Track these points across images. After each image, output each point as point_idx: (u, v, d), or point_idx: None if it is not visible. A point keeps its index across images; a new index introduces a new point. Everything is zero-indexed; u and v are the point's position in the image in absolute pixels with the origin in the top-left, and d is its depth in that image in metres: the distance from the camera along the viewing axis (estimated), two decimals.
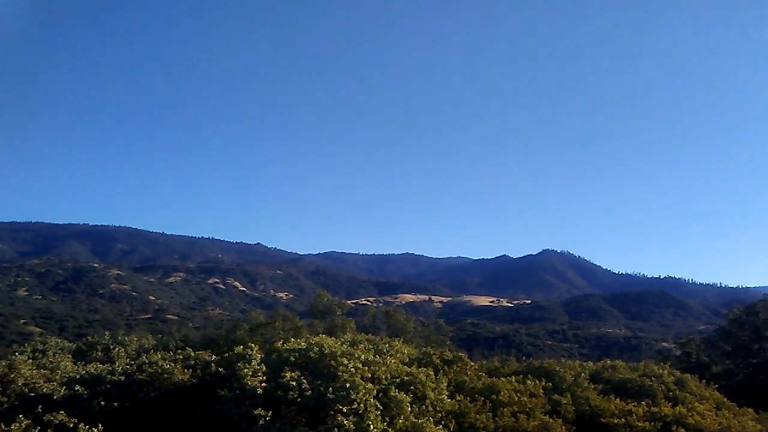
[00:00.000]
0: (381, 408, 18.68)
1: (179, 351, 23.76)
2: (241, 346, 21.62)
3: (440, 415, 20.17)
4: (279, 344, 21.91)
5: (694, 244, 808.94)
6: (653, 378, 28.09)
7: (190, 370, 20.99)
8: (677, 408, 24.67)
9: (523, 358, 34.27)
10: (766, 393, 41.72)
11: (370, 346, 22.71)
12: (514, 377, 25.56)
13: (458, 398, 21.56)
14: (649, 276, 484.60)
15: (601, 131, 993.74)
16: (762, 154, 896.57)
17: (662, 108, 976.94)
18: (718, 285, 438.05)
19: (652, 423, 22.95)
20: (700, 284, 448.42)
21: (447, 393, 21.65)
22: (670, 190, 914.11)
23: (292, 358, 20.04)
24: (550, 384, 25.58)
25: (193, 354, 22.80)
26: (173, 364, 20.96)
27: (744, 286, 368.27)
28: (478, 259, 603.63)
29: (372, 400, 18.47)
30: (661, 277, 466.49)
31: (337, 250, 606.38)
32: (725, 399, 29.41)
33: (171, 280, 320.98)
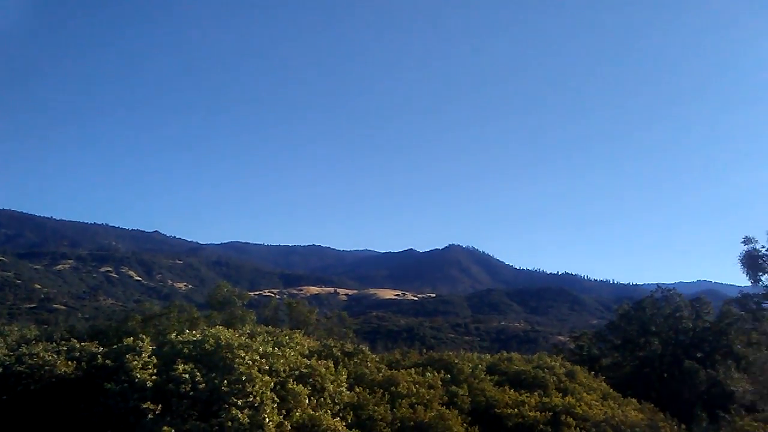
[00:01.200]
0: (278, 401, 18.61)
1: (64, 342, 22.60)
2: (132, 338, 20.88)
3: (338, 407, 20.30)
4: (173, 336, 21.31)
5: (590, 242, 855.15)
6: (546, 370, 29.44)
7: (75, 362, 20.07)
8: (567, 398, 26.00)
9: (424, 350, 34.99)
10: (650, 384, 44.69)
11: (270, 338, 22.48)
12: (413, 369, 26.10)
13: (357, 390, 21.78)
14: (548, 272, 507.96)
15: (507, 131, 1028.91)
16: (654, 159, 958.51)
17: (563, 108, 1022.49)
18: (611, 282, 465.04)
19: (543, 413, 24.09)
20: (595, 281, 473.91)
21: (346, 385, 21.80)
22: (569, 191, 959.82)
23: (186, 350, 19.55)
24: (449, 376, 26.30)
25: (78, 345, 21.79)
26: (56, 356, 20.00)
27: (634, 284, 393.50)
28: (385, 253, 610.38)
29: (269, 392, 18.35)
30: (559, 274, 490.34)
31: (240, 240, 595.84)
32: (611, 390, 31.25)
33: (59, 267, 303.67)
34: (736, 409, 24.96)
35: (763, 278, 42.32)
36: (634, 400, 30.28)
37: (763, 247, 41.75)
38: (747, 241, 42.02)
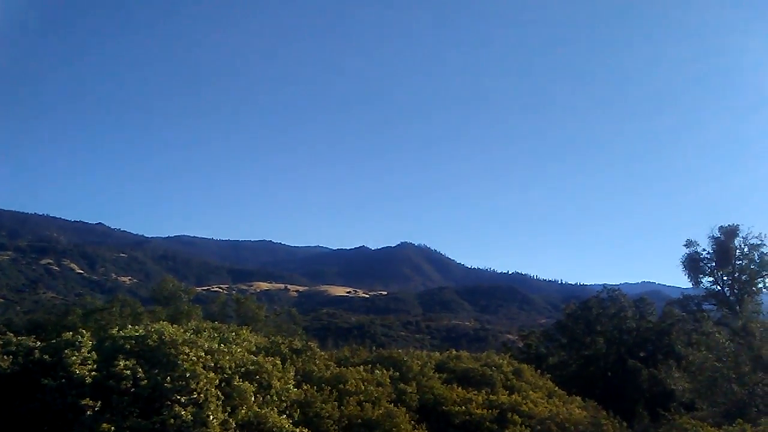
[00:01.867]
0: (223, 398, 18.38)
1: (0, 336, 21.81)
2: (71, 333, 20.29)
3: (285, 404, 20.18)
4: (114, 331, 20.79)
5: (540, 243, 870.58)
6: (494, 368, 29.90)
7: (11, 356, 19.37)
8: (513, 396, 26.51)
9: (374, 348, 35.11)
10: (595, 383, 45.91)
11: (216, 334, 22.18)
12: (362, 367, 26.12)
13: (305, 388, 21.70)
14: (498, 271, 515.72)
15: (459, 130, 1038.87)
16: (601, 163, 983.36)
17: (514, 109, 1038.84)
18: (560, 282, 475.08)
19: (490, 410, 24.48)
20: (544, 280, 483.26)
21: (294, 382, 21.68)
22: (521, 192, 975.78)
23: (128, 346, 19.13)
24: (398, 373, 26.44)
25: (15, 339, 21.02)
26: None
27: (582, 284, 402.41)
28: (337, 250, 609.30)
29: (213, 389, 18.11)
30: (510, 273, 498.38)
31: (188, 234, 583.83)
32: (557, 388, 31.97)
33: None
34: (676, 407, 25.86)
35: (703, 280, 44.22)
36: (578, 398, 31.03)
37: (704, 250, 43.65)
38: (689, 244, 43.88)
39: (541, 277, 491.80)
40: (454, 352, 33.77)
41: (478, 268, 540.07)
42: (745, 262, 41.80)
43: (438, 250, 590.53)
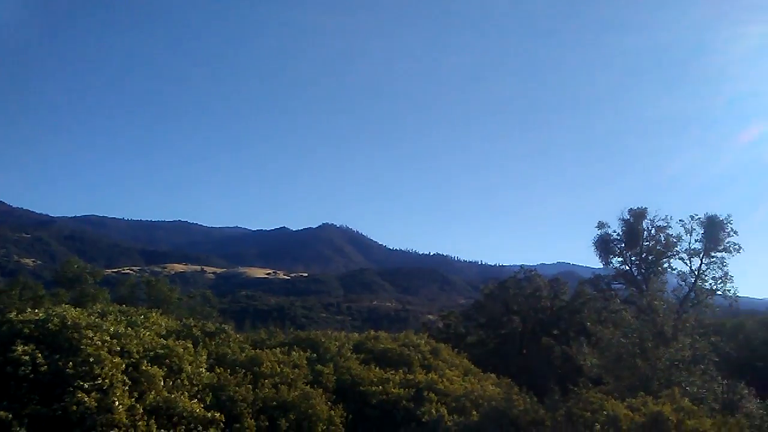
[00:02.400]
0: (130, 383, 17.96)
1: None
2: None
3: (197, 388, 19.89)
4: (12, 315, 19.85)
5: (461, 224, 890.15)
6: (411, 347, 30.37)
7: None
8: (430, 375, 27.06)
9: (291, 329, 35.00)
10: (511, 360, 47.59)
11: (123, 318, 21.55)
12: (279, 349, 26.01)
13: (218, 371, 21.41)
14: (420, 253, 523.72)
15: (380, 112, 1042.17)
16: (521, 145, 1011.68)
17: (430, 93, 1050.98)
18: (479, 263, 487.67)
19: (407, 389, 24.91)
20: (465, 261, 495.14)
21: (206, 366, 21.40)
22: (442, 173, 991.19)
23: (27, 330, 18.35)
24: (315, 355, 26.48)
25: None
26: None
27: (500, 264, 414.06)
28: (256, 231, 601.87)
29: (119, 375, 17.68)
30: (431, 254, 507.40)
31: (97, 214, 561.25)
32: (473, 366, 32.89)
33: None
34: (584, 382, 27.13)
35: (613, 261, 46.32)
36: (493, 375, 32.08)
37: (615, 231, 45.66)
38: (600, 225, 45.75)
39: (462, 258, 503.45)
40: (372, 332, 34.02)
41: (400, 250, 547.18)
42: (652, 243, 43.99)
43: (360, 232, 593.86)
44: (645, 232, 44.73)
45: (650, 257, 44.67)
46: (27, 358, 17.02)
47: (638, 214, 44.48)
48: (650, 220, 44.34)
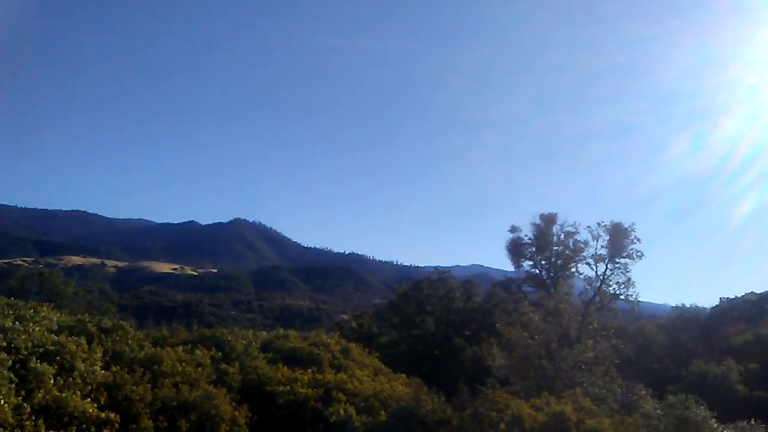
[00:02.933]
0: (17, 381, 17.13)
1: None
2: None
3: (90, 387, 19.16)
4: None
5: (377, 224, 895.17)
6: (321, 347, 30.43)
7: None
8: (340, 374, 27.18)
9: (197, 327, 34.29)
10: (423, 361, 48.44)
11: (10, 311, 20.49)
12: (181, 347, 25.42)
13: (114, 369, 20.71)
14: (335, 251, 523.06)
15: (296, 107, 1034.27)
16: (435, 146, 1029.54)
17: (342, 88, 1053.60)
18: (395, 263, 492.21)
19: (315, 389, 24.92)
20: (380, 261, 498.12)
21: (101, 364, 20.65)
22: (358, 170, 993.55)
23: None
24: (220, 353, 26.04)
25: None
26: None
27: (416, 265, 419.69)
28: (163, 223, 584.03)
29: (5, 371, 16.83)
30: (347, 253, 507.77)
31: None
32: (384, 366, 33.28)
33: None
34: (492, 382, 28.01)
35: (524, 264, 48.16)
36: (403, 375, 32.59)
37: (526, 235, 47.49)
38: (513, 229, 47.51)
39: (378, 258, 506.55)
40: (282, 331, 33.81)
41: (315, 248, 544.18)
42: (561, 247, 46.10)
43: (273, 228, 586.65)
44: (555, 237, 46.76)
45: (559, 261, 46.73)
46: None
47: (549, 219, 46.44)
48: (560, 225, 46.44)
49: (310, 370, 27.11)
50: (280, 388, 24.66)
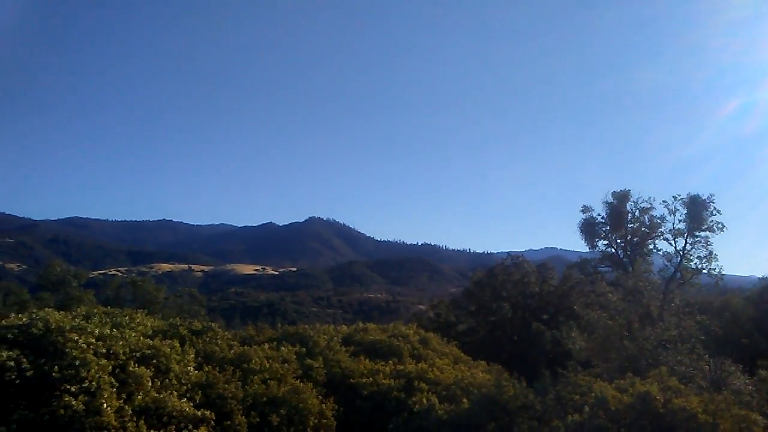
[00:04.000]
0: (117, 384, 17.88)
1: None
2: None
3: (185, 387, 19.84)
4: None
5: (448, 213, 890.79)
6: (401, 338, 30.55)
7: None
8: (420, 364, 27.21)
9: (281, 325, 35.04)
10: (502, 347, 47.90)
11: (108, 319, 21.43)
12: (267, 345, 26.04)
13: (206, 369, 21.39)
14: (408, 243, 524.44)
15: (364, 107, 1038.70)
16: (504, 133, 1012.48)
17: (415, 87, 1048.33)
18: (468, 251, 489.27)
19: (397, 380, 25.05)
20: (453, 250, 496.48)
21: (194, 364, 21.35)
22: (427, 162, 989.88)
23: (11, 336, 18.18)
24: (304, 349, 26.52)
25: None
26: None
27: (488, 252, 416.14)
28: (243, 227, 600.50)
29: (106, 376, 17.58)
30: (419, 244, 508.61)
31: (80, 216, 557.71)
32: (463, 354, 33.11)
33: None
34: (573, 365, 27.38)
35: (599, 244, 46.76)
36: (483, 362, 32.30)
37: (599, 215, 46.08)
38: (585, 209, 46.17)
39: (451, 247, 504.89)
40: (361, 324, 34.14)
41: (389, 241, 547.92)
42: (636, 225, 44.52)
43: (347, 224, 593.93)
44: (629, 214, 45.18)
45: (635, 239, 45.14)
46: (12, 363, 16.87)
47: (622, 197, 44.88)
48: (634, 202, 44.81)
49: (391, 362, 27.23)
50: (363, 380, 24.88)
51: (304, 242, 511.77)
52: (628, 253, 45.02)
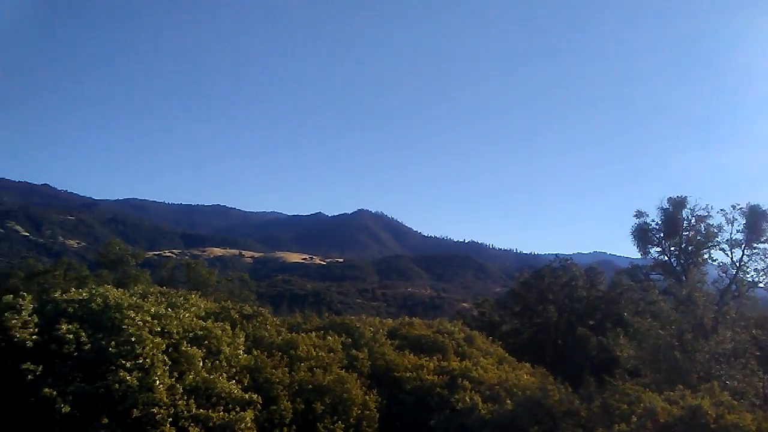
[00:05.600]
0: (170, 363, 18.23)
1: None
2: (11, 295, 19.71)
3: (234, 370, 20.12)
4: (57, 294, 20.32)
5: (496, 212, 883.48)
6: (446, 335, 30.28)
7: None
8: (464, 362, 26.94)
9: (328, 314, 35.22)
10: (545, 350, 47.08)
11: (163, 299, 21.87)
12: (314, 333, 26.17)
13: (255, 353, 21.62)
14: (455, 240, 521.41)
15: (417, 101, 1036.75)
16: (558, 136, 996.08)
17: (473, 81, 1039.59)
18: (515, 251, 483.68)
19: (441, 376, 24.87)
20: (500, 249, 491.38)
21: (244, 348, 21.63)
22: (478, 161, 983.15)
23: (71, 310, 18.71)
24: (350, 339, 26.55)
25: None
26: None
27: (536, 253, 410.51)
28: (293, 216, 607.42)
29: (160, 354, 17.95)
30: (466, 242, 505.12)
31: (138, 198, 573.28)
32: (507, 355, 32.67)
33: None
34: (621, 373, 26.69)
35: (651, 251, 45.40)
36: (527, 364, 31.79)
37: (653, 221, 44.71)
38: (639, 215, 44.86)
39: (497, 246, 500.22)
40: (407, 318, 33.98)
41: (435, 237, 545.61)
42: (692, 233, 43.05)
43: (395, 218, 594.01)
44: (685, 222, 43.74)
45: (690, 247, 43.68)
46: (71, 336, 17.36)
47: (678, 203, 43.48)
48: (690, 209, 43.36)
49: (435, 358, 27.06)
50: (407, 375, 24.79)
51: (351, 234, 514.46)
52: (682, 261, 43.58)
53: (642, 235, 44.63)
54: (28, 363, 16.53)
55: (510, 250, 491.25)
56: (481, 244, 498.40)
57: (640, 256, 46.91)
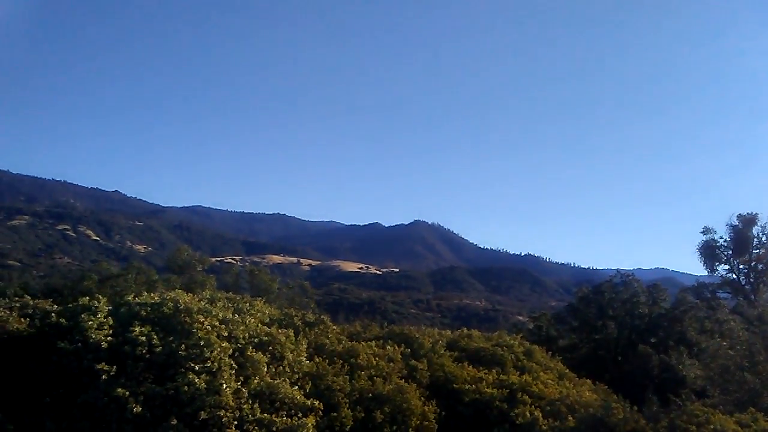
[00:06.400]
0: (236, 367, 18.54)
1: (17, 299, 22.06)
2: (87, 298, 20.46)
3: (297, 376, 20.31)
4: (130, 297, 20.98)
5: (553, 225, 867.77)
6: (505, 348, 29.81)
7: (28, 319, 19.62)
8: (524, 376, 26.45)
9: (385, 323, 35.21)
10: (605, 367, 45.75)
11: (230, 305, 22.29)
12: (374, 342, 26.20)
13: (317, 360, 21.79)
14: (511, 252, 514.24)
15: (475, 111, 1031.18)
16: (620, 147, 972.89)
17: (526, 93, 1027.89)
18: (572, 265, 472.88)
19: (500, 390, 24.48)
20: (557, 263, 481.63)
21: (306, 355, 21.80)
22: (535, 173, 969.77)
23: (144, 313, 19.29)
24: (409, 350, 26.45)
25: (32, 303, 21.29)
26: (8, 312, 19.53)
27: (594, 268, 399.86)
28: (350, 225, 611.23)
29: (227, 359, 18.27)
30: (522, 255, 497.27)
31: (203, 205, 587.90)
32: (567, 370, 31.89)
33: (14, 223, 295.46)
34: (687, 394, 25.68)
35: (719, 268, 43.75)
36: (588, 380, 30.94)
37: (721, 237, 43.14)
38: (706, 231, 43.36)
39: (554, 259, 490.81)
40: (465, 330, 33.64)
41: (491, 249, 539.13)
42: (763, 251, 41.35)
43: (451, 229, 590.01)
44: (755, 240, 42.04)
45: (760, 265, 41.93)
46: (143, 338, 17.85)
47: (748, 221, 41.88)
48: (761, 226, 41.69)
49: (494, 371, 26.69)
50: (466, 387, 24.52)
51: (407, 244, 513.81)
52: (751, 280, 41.85)
53: (709, 252, 43.13)
54: (103, 363, 17.04)
55: (567, 264, 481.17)
56: (538, 257, 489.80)
57: (705, 273, 45.37)
